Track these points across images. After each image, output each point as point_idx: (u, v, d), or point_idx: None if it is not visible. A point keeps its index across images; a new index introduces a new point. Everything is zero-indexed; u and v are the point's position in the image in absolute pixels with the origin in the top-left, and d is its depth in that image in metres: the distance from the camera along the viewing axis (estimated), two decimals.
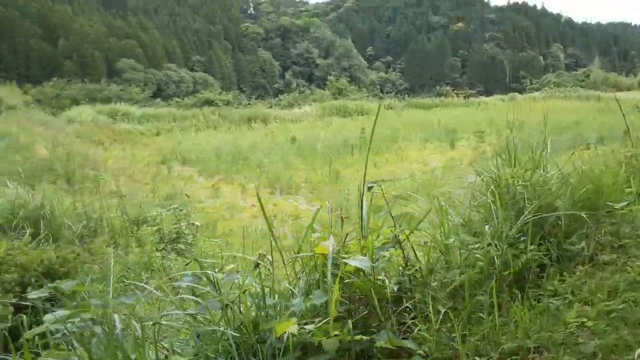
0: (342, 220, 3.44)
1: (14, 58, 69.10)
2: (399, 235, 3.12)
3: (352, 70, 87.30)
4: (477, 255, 3.03)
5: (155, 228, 7.45)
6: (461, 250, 3.04)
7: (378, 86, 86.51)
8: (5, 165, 9.95)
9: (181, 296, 2.28)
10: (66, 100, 31.84)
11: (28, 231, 6.22)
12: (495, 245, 3.06)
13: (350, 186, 13.20)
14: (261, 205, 2.65)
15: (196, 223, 8.01)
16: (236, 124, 24.44)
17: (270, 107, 34.81)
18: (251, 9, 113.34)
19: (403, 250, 3.05)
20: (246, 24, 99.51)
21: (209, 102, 33.69)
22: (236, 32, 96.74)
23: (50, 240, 6.38)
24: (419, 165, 15.38)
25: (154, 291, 2.33)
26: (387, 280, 2.57)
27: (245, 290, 2.18)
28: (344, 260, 2.33)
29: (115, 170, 13.75)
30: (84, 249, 6.68)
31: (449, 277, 2.91)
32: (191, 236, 7.72)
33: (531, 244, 3.10)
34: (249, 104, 37.07)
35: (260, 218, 10.07)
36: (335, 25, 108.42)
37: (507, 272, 3.00)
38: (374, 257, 2.97)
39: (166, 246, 7.28)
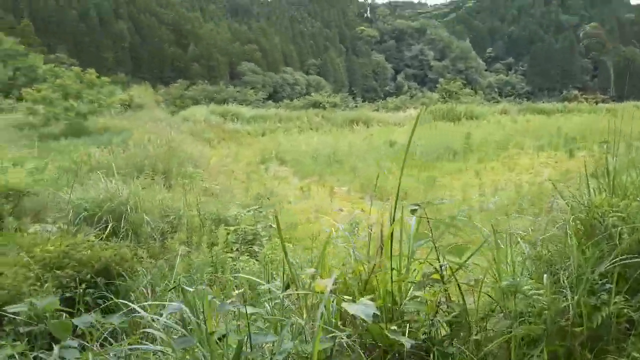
0: (382, 247, 3.01)
1: (150, 60, 76.56)
2: (443, 270, 2.62)
3: (468, 73, 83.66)
4: (542, 304, 2.41)
5: (233, 228, 7.48)
6: (519, 295, 2.43)
7: (496, 89, 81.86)
8: (111, 159, 10.76)
9: (148, 330, 2.01)
10: (188, 101, 34.38)
11: (110, 225, 6.53)
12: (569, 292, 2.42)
13: (445, 194, 12.40)
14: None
15: (273, 225, 7.93)
16: (338, 127, 24.45)
17: (377, 109, 34.42)
18: (367, 12, 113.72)
19: (446, 290, 2.54)
20: (361, 27, 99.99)
21: (316, 104, 34.25)
22: (351, 35, 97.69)
23: (130, 236, 6.64)
24: (528, 176, 13.98)
25: (142, 312, 2.11)
26: (407, 329, 2.11)
27: (213, 332, 1.85)
28: (344, 302, 1.92)
29: (216, 168, 14.32)
30: (161, 246, 6.87)
31: (498, 328, 2.34)
32: (266, 238, 7.64)
33: (617, 294, 2.41)
34: (356, 106, 37.00)
35: (344, 223, 9.77)
36: (453, 26, 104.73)
37: (581, 328, 2.35)
38: (407, 296, 2.51)
39: (240, 247, 7.27)
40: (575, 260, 2.50)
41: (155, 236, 6.96)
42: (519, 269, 2.75)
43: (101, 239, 6.23)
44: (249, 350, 1.99)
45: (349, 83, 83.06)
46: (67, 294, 4.16)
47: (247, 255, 7.06)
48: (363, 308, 1.84)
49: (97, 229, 6.45)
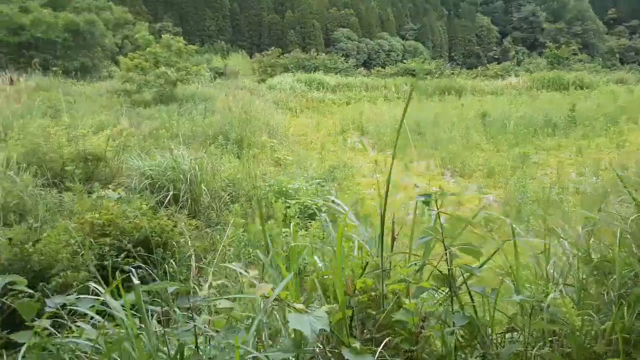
0: (393, 239, 2.59)
1: (249, 28, 78.32)
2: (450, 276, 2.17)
3: (585, 36, 75.70)
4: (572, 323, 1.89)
5: (294, 202, 7.31)
6: (534, 309, 1.94)
7: (617, 55, 73.40)
8: (189, 126, 11.04)
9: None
10: (279, 68, 34.69)
11: (170, 193, 6.61)
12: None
13: (538, 174, 11.26)
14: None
15: (336, 200, 7.62)
16: (428, 96, 23.26)
17: (476, 77, 32.26)
18: None
19: (455, 296, 2.10)
20: None
21: (409, 72, 32.90)
22: None
23: (189, 205, 6.69)
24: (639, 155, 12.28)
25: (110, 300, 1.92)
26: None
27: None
28: (290, 314, 1.57)
29: (294, 137, 14.23)
30: (217, 216, 6.87)
31: (503, 353, 1.88)
32: (327, 213, 7.37)
33: None
34: (452, 73, 35.02)
35: (414, 200, 9.21)
36: None
37: None
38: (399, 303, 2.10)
39: (299, 222, 7.08)
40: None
41: (215, 206, 6.97)
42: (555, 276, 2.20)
43: (159, 207, 6.34)
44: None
45: (449, 49, 79.03)
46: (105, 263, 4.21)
47: (305, 230, 6.85)
48: (310, 321, 1.49)
49: (159, 197, 6.57)
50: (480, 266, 2.11)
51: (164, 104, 14.61)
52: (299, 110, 18.96)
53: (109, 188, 6.31)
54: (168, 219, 4.79)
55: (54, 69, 32.58)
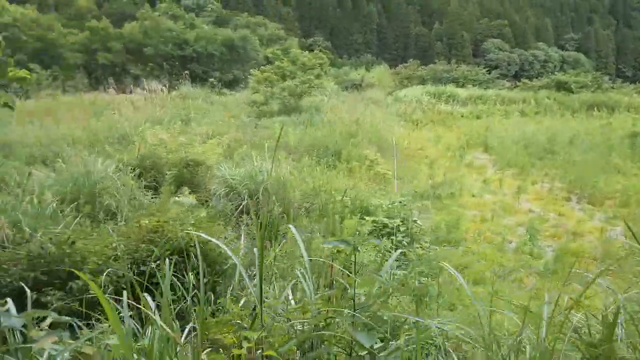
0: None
1: (395, 41, 78.64)
2: None
3: None
4: None
5: (370, 219, 6.97)
6: None
7: None
8: (297, 137, 11.24)
9: None
10: (415, 80, 33.99)
11: (244, 203, 6.74)
12: None
13: None
14: None
15: (417, 221, 7.08)
16: (573, 111, 20.67)
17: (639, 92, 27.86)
18: None
19: None
20: None
21: (561, 84, 29.68)
22: (624, 4, 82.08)
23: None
24: None
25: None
26: None
27: None
28: None
29: (409, 151, 13.74)
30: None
31: None
32: (404, 234, 6.89)
33: None
34: (612, 87, 30.74)
35: (527, 227, 8.19)
36: None
37: None
38: None
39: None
40: None
41: (286, 218, 6.92)
42: None
43: (231, 215, 6.49)
44: None
45: (616, 60, 70.22)
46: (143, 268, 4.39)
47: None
48: None
49: (233, 205, 6.74)
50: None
51: (287, 115, 15.18)
52: (423, 123, 18.27)
53: (194, 193, 6.63)
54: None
55: (211, 80, 36.23)
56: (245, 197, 6.70)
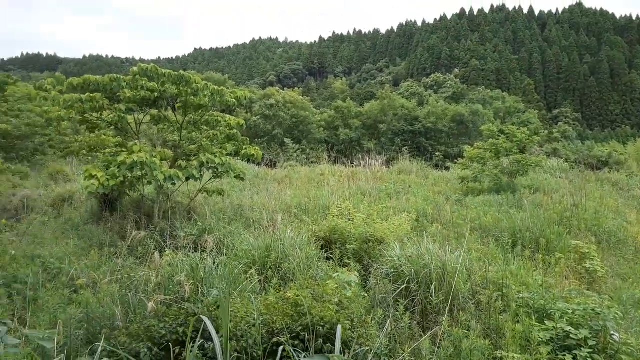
0: None
1: None
2: None
3: None
4: None
5: (551, 325, 5.95)
6: None
7: None
8: (494, 218, 10.41)
9: None
10: None
11: (403, 286, 6.59)
12: None
13: None
14: None
15: (614, 336, 5.69)
16: None
17: None
18: None
19: None
20: None
21: None
22: None
23: (422, 303, 6.45)
24: None
25: None
26: None
27: None
28: None
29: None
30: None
31: None
32: (591, 351, 5.61)
33: None
34: None
35: None
36: None
37: None
38: None
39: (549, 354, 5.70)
40: None
41: (453, 313, 6.49)
42: None
43: (386, 297, 6.41)
44: None
45: None
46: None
47: None
48: None
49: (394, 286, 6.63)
50: None
51: (497, 194, 14.31)
52: None
53: (365, 270, 6.79)
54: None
55: (437, 154, 36.72)
56: (406, 281, 6.52)
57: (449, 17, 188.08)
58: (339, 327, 3.32)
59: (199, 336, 3.71)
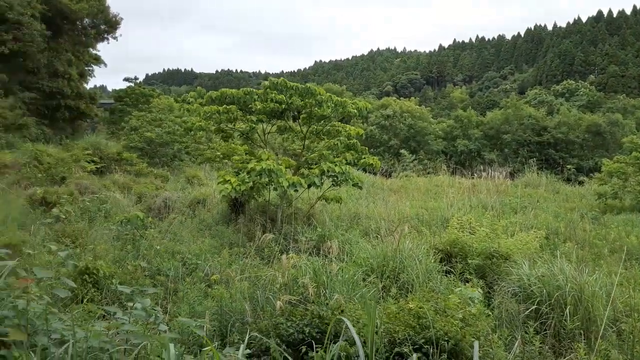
0: None
1: None
2: None
3: None
4: None
5: None
6: None
7: None
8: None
9: None
10: None
11: (533, 307, 6.22)
12: None
13: None
14: None
15: None
16: None
17: None
18: None
19: None
20: None
21: None
22: None
23: (554, 327, 6.05)
24: None
25: None
26: None
27: None
28: None
29: None
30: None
31: None
32: None
33: None
34: None
35: None
36: None
37: None
38: None
39: None
40: None
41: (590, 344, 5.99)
42: None
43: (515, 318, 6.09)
44: None
45: None
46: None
47: None
48: None
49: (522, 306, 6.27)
50: None
51: (638, 212, 12.85)
52: None
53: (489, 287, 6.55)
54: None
55: (568, 166, 33.79)
56: (537, 301, 6.12)
57: (584, 20, 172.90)
58: (476, 343, 3.22)
59: (326, 337, 3.83)
